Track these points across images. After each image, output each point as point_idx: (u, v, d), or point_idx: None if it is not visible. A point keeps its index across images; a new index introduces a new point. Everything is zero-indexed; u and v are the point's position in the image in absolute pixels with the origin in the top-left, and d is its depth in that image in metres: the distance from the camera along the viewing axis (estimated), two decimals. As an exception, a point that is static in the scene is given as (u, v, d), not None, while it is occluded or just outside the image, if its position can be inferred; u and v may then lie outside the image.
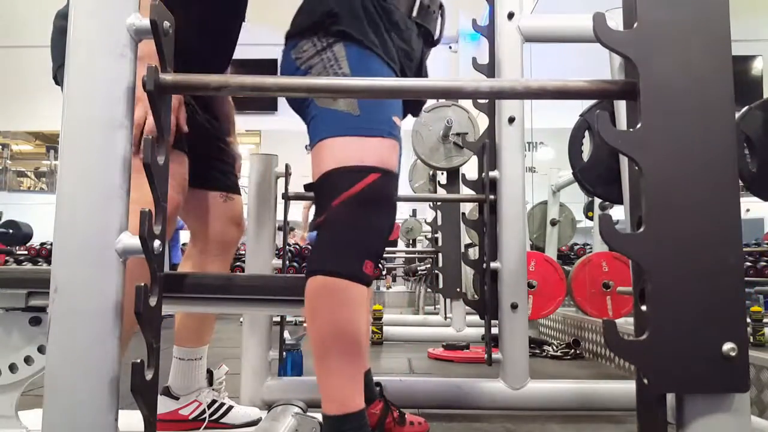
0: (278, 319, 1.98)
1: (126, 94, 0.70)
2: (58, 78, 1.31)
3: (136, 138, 1.05)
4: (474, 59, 2.00)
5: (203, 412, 1.54)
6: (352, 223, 1.08)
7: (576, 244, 5.52)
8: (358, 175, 1.09)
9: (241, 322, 2.07)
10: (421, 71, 1.36)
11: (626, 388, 1.81)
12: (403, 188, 3.89)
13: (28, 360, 1.24)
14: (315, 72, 1.16)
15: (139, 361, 0.64)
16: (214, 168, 1.51)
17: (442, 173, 3.49)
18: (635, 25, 0.67)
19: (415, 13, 1.26)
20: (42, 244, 6.48)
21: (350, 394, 1.08)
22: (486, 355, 1.90)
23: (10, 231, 5.17)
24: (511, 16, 1.91)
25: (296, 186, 1.89)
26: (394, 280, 7.54)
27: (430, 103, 3.09)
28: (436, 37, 1.36)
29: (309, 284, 1.08)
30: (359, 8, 1.18)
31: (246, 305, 1.24)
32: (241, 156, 1.70)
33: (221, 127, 1.57)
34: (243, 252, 5.62)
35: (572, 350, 3.15)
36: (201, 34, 1.35)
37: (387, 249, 2.67)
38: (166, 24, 0.70)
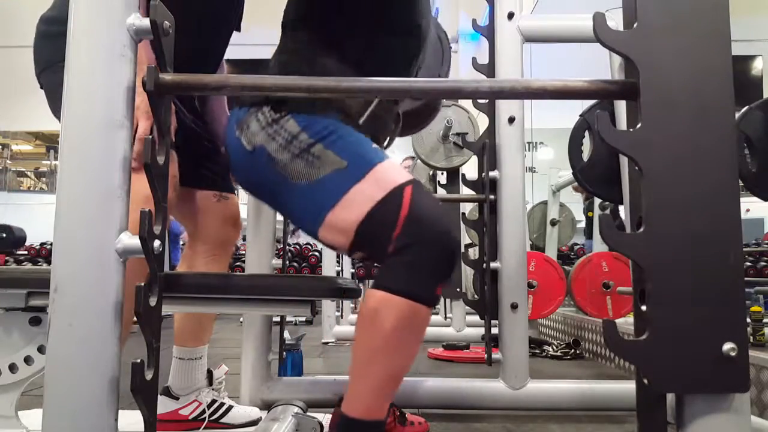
0: (278, 319, 1.98)
1: (126, 94, 0.70)
2: (40, 81, 1.30)
3: (138, 151, 1.04)
4: (474, 59, 2.00)
5: (203, 412, 1.54)
6: (423, 243, 1.03)
7: (576, 244, 5.53)
8: (397, 198, 1.04)
9: (241, 322, 2.07)
10: None
11: (626, 388, 1.81)
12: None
13: (28, 360, 1.24)
14: (273, 150, 1.10)
15: (139, 361, 0.64)
16: (204, 167, 1.51)
17: (442, 173, 3.49)
18: (635, 25, 0.67)
19: (362, 121, 1.18)
20: (42, 244, 6.49)
21: (379, 404, 1.07)
22: (486, 355, 1.90)
23: (3, 235, 5.16)
24: (511, 16, 1.91)
25: (296, 186, 1.88)
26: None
27: (430, 103, 3.09)
28: (383, 146, 1.31)
29: (377, 295, 1.04)
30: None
31: (246, 305, 1.24)
32: None
33: (209, 128, 1.56)
34: (243, 252, 5.61)
35: (572, 350, 3.16)
36: (196, 36, 1.35)
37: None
38: (166, 24, 0.70)
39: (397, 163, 1.13)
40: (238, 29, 1.52)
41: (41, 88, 1.30)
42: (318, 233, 1.11)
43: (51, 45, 1.28)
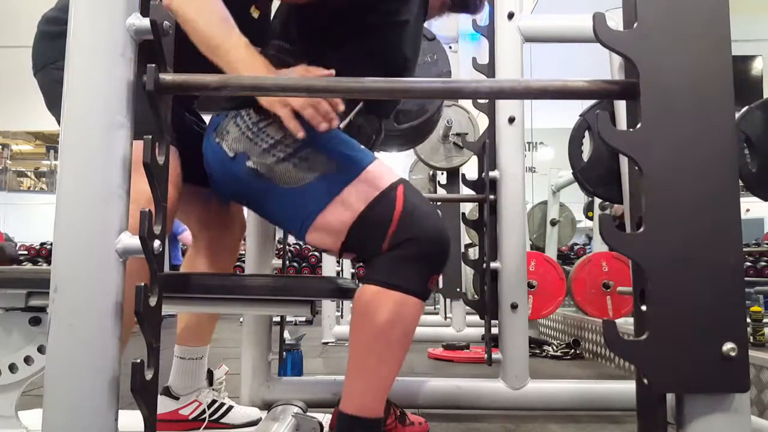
0: (278, 319, 1.97)
1: (126, 94, 0.70)
2: (37, 80, 1.30)
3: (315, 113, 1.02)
4: (474, 59, 2.00)
5: (203, 412, 1.54)
6: (418, 238, 1.04)
7: (576, 244, 5.53)
8: (390, 197, 1.06)
9: (241, 322, 2.07)
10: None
11: (626, 388, 1.81)
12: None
13: (28, 360, 1.24)
14: (255, 155, 1.09)
15: (139, 361, 0.64)
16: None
17: (442, 173, 3.49)
18: (635, 25, 0.67)
19: (342, 125, 1.18)
20: (42, 244, 6.49)
21: (374, 401, 1.08)
22: (486, 355, 1.90)
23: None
24: (511, 16, 1.91)
25: (296, 186, 1.89)
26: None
27: (430, 103, 3.09)
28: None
29: (370, 290, 1.05)
30: None
31: (246, 305, 1.24)
32: None
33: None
34: (243, 252, 5.62)
35: (572, 350, 3.15)
36: None
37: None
38: (166, 24, 0.70)
39: (385, 162, 1.14)
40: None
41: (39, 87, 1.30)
42: (306, 236, 1.11)
43: (49, 45, 1.28)
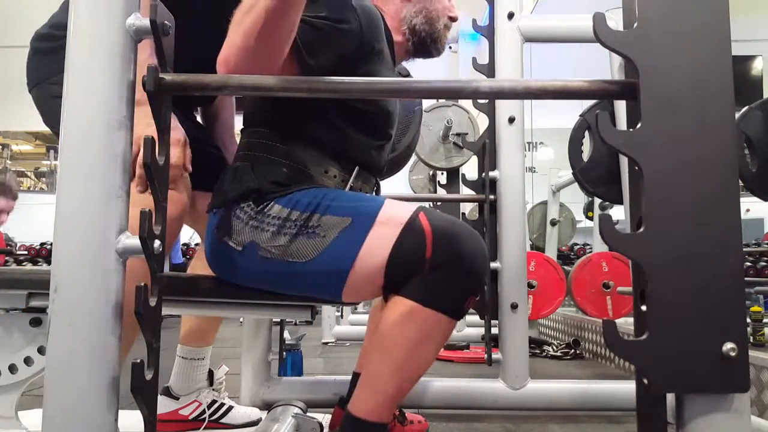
0: (278, 319, 1.98)
1: (126, 94, 0.70)
2: (32, 95, 1.30)
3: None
4: (474, 59, 2.00)
5: (203, 412, 1.54)
6: (457, 258, 1.02)
7: (576, 244, 5.52)
8: (416, 226, 1.03)
9: (241, 322, 2.07)
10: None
11: (626, 388, 1.81)
12: (403, 188, 3.90)
13: (28, 361, 1.24)
14: (265, 241, 1.08)
15: (139, 361, 0.64)
16: (213, 171, 1.50)
17: (442, 173, 3.49)
18: (635, 25, 0.67)
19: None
20: (42, 244, 6.48)
21: (386, 408, 1.08)
22: (486, 355, 1.90)
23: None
24: (511, 16, 1.91)
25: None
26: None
27: (430, 103, 3.09)
28: None
29: (405, 304, 1.04)
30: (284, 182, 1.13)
31: (246, 308, 1.24)
32: None
33: (211, 133, 1.55)
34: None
35: (572, 350, 3.16)
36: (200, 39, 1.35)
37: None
38: (166, 24, 0.70)
39: (395, 200, 1.13)
40: None
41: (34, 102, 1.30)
42: (342, 297, 1.10)
43: (42, 61, 1.28)
